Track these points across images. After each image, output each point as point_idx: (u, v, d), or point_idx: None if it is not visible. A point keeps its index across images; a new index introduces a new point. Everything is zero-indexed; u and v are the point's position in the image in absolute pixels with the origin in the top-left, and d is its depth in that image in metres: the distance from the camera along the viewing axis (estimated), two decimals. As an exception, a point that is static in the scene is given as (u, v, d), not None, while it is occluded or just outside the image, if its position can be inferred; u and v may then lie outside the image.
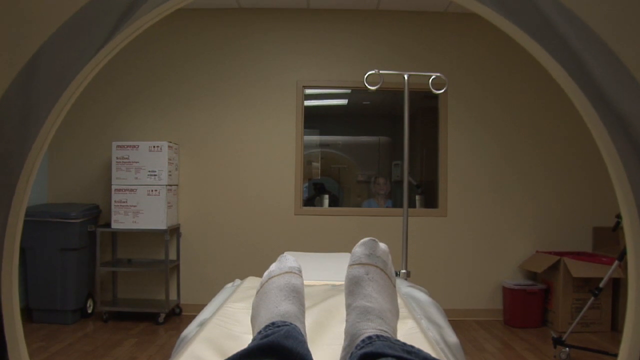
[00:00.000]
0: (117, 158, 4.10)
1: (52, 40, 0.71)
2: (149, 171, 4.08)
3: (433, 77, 2.94)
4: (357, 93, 5.34)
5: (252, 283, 2.10)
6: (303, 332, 1.06)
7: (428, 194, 4.94)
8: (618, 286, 3.97)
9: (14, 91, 0.71)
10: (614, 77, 0.58)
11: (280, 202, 4.47)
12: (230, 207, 4.47)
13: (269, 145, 4.49)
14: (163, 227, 4.08)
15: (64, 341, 3.60)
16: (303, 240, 4.35)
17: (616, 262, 3.18)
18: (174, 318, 4.32)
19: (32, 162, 0.77)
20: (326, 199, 5.22)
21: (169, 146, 4.16)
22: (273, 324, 1.04)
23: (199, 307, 2.01)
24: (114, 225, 4.12)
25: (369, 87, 2.91)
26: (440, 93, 3.02)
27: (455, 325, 2.05)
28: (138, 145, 4.11)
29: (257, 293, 1.19)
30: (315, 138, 6.05)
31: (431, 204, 4.71)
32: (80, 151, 4.48)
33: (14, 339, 0.78)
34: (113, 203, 4.10)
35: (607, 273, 3.21)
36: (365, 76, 2.91)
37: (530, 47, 0.69)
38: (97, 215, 4.31)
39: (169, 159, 4.16)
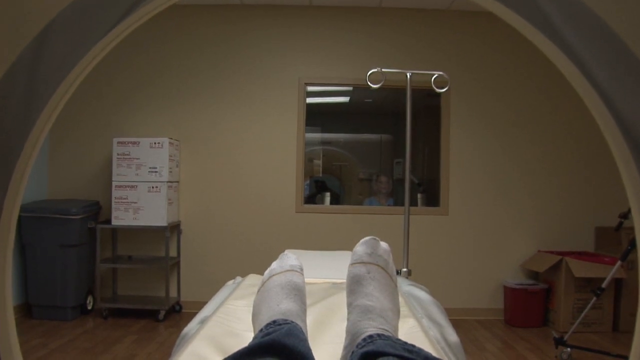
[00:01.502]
0: (117, 154, 4.09)
1: (61, 16, 0.69)
2: (150, 167, 4.07)
3: (435, 75, 2.93)
4: (359, 90, 5.32)
5: (253, 280, 2.09)
6: (304, 331, 1.06)
7: (430, 192, 4.92)
8: (620, 286, 3.96)
9: (19, 67, 0.70)
10: (626, 72, 0.57)
11: (281, 200, 4.46)
12: (231, 204, 4.46)
13: (270, 143, 4.48)
14: (163, 223, 4.08)
15: (64, 338, 3.59)
16: (304, 238, 4.34)
17: (619, 262, 3.17)
18: (174, 315, 4.31)
19: (32, 144, 0.75)
20: (327, 197, 5.21)
21: (170, 142, 4.15)
22: (274, 322, 1.03)
23: (199, 305, 2.01)
24: (114, 222, 4.11)
25: (371, 85, 2.90)
26: (443, 92, 3.01)
27: (456, 324, 2.04)
28: (139, 142, 4.10)
29: (258, 291, 1.18)
30: (317, 135, 6.03)
31: (433, 203, 4.70)
32: (81, 147, 4.47)
33: (6, 335, 0.77)
34: (113, 199, 4.09)
35: (610, 273, 3.20)
36: (368, 74, 2.89)
37: (540, 43, 0.68)
38: (98, 211, 4.30)
39: (170, 156, 4.15)
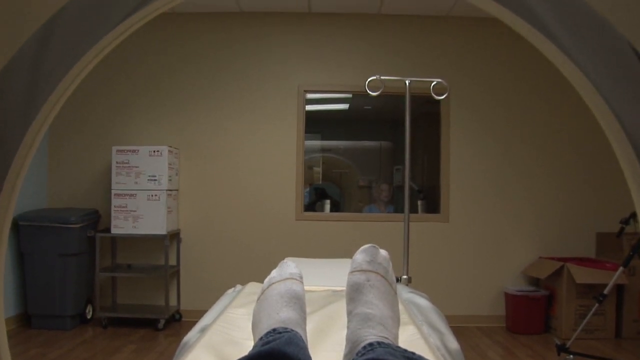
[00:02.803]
0: (117, 162, 4.09)
1: (64, 11, 0.69)
2: (149, 176, 4.07)
3: (434, 82, 2.93)
4: (359, 97, 5.33)
5: (253, 289, 2.08)
6: (304, 339, 1.05)
7: (430, 199, 4.92)
8: (622, 292, 3.94)
9: (23, 57, 0.69)
10: (628, 74, 0.56)
11: (281, 207, 4.45)
12: (231, 212, 4.45)
13: (269, 150, 4.48)
14: (163, 232, 4.06)
15: (63, 347, 3.57)
16: (304, 246, 4.33)
17: (621, 268, 3.15)
18: (174, 324, 4.29)
19: (31, 140, 0.74)
20: (327, 204, 5.21)
21: (169, 151, 4.14)
22: (274, 330, 1.03)
23: (199, 313, 1.99)
24: (114, 231, 4.10)
25: (370, 92, 2.90)
26: (442, 99, 3.01)
27: (457, 331, 2.03)
28: (138, 150, 4.10)
29: (258, 299, 1.18)
30: (317, 143, 6.04)
31: (433, 210, 4.69)
32: (80, 155, 4.47)
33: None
34: (113, 208, 4.08)
35: (612, 279, 3.18)
36: (367, 82, 2.90)
37: (540, 44, 0.67)
38: (97, 220, 4.29)
39: (169, 164, 4.15)
